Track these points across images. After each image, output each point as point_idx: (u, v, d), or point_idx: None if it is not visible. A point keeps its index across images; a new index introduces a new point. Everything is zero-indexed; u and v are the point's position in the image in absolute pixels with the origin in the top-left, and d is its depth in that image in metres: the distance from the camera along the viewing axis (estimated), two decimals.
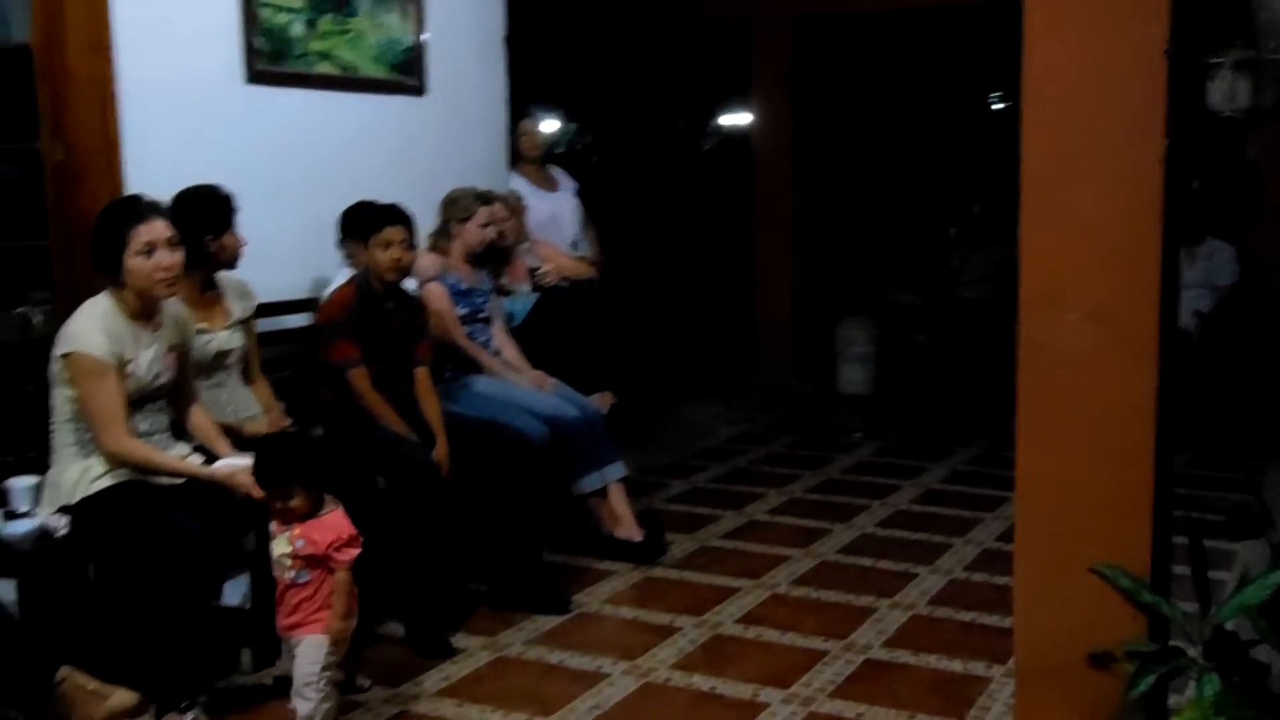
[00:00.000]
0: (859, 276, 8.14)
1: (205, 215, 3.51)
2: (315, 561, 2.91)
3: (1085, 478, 2.49)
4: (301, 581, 2.93)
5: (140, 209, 3.16)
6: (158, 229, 3.13)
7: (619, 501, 4.42)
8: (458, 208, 4.43)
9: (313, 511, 2.94)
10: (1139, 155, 2.39)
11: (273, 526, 2.98)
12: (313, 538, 2.90)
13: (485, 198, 4.47)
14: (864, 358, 7.66)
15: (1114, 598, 2.42)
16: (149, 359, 3.20)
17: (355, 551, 2.95)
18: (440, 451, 3.83)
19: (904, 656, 3.55)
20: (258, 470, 3.01)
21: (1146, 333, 2.40)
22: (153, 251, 3.12)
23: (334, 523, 2.94)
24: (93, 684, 2.81)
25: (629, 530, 4.40)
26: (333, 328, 3.84)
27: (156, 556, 2.96)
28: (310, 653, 2.91)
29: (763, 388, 7.68)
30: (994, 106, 8.69)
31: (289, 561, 2.92)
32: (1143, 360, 2.40)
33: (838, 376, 7.70)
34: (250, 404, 3.72)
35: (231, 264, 3.65)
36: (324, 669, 2.92)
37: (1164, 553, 2.44)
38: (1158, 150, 2.36)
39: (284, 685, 3.04)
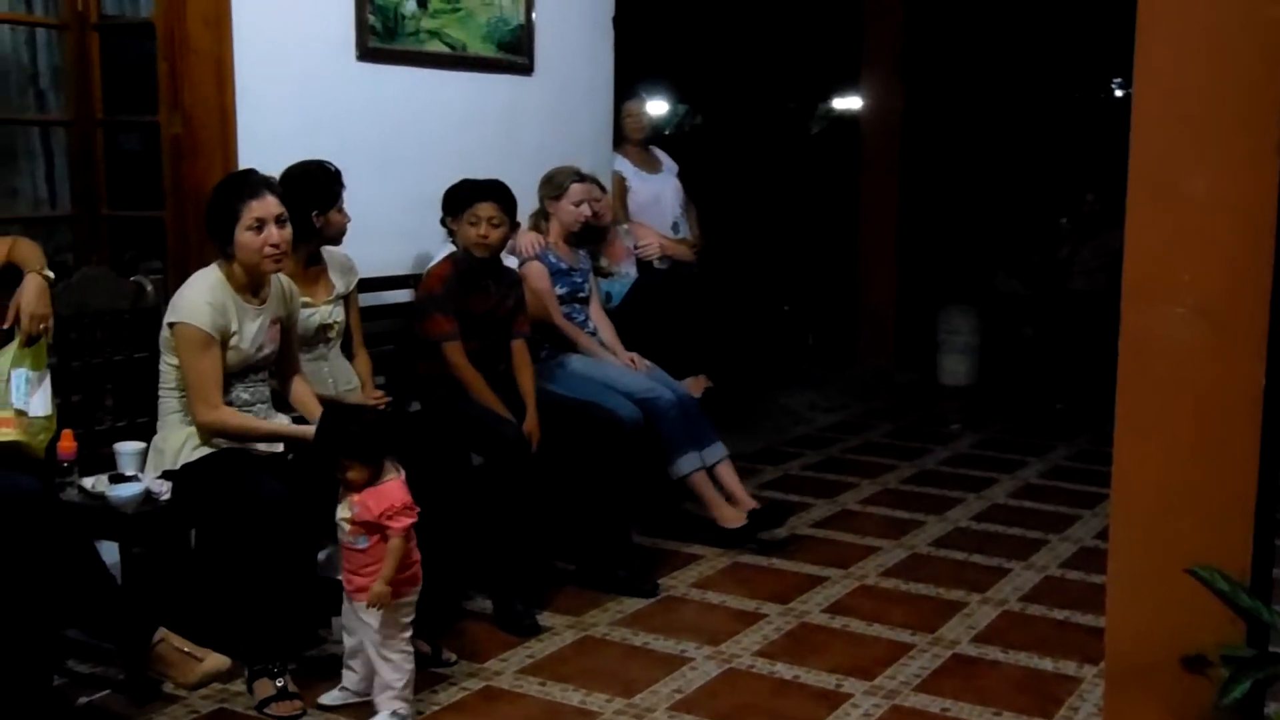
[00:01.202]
0: (966, 264, 8.00)
1: (312, 191, 3.57)
2: (372, 528, 2.93)
3: (1185, 476, 2.39)
4: (361, 547, 2.94)
5: (253, 184, 3.23)
6: (269, 205, 3.20)
7: (729, 479, 4.39)
8: (551, 186, 4.44)
9: (372, 480, 2.95)
10: (1254, 142, 2.28)
11: (341, 492, 3.02)
12: (367, 504, 2.91)
13: (579, 176, 4.46)
14: (967, 348, 7.52)
15: (1210, 600, 2.33)
16: (254, 331, 3.27)
17: (409, 520, 2.93)
18: (530, 424, 3.84)
19: (993, 653, 3.48)
20: (315, 443, 3.05)
21: (1255, 328, 2.30)
22: (263, 227, 3.18)
23: (389, 491, 2.94)
24: (188, 646, 2.88)
25: (743, 504, 4.36)
26: (430, 302, 3.87)
27: (248, 522, 3.02)
28: (371, 617, 2.94)
29: (862, 376, 7.59)
30: (1115, 93, 8.43)
31: (348, 527, 2.94)
32: (1250, 357, 2.30)
33: (939, 366, 7.57)
34: (351, 377, 3.77)
35: (336, 240, 3.72)
36: (391, 631, 2.95)
37: (1265, 555, 2.33)
38: (1275, 137, 2.26)
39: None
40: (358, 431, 2.97)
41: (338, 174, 3.66)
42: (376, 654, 2.96)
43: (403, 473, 3.00)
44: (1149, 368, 2.41)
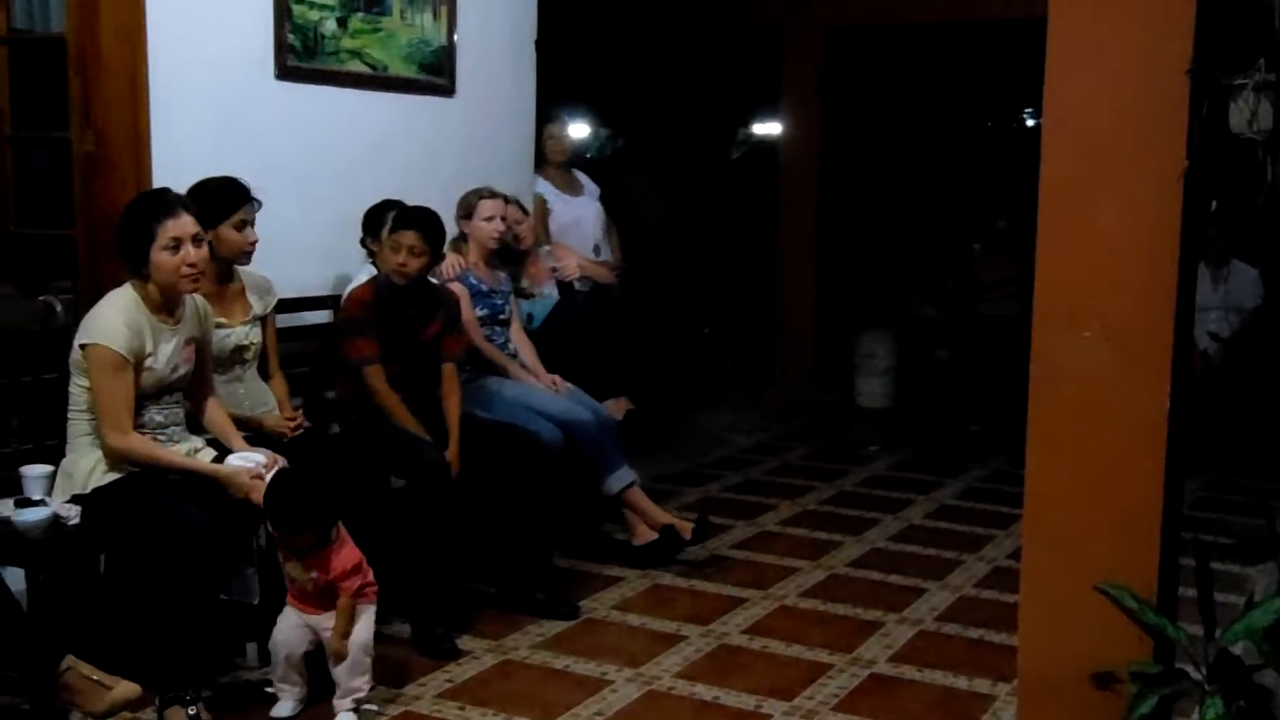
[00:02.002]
0: (882, 288, 8.11)
1: (202, 207, 3.40)
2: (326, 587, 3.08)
3: (1094, 496, 2.46)
4: (311, 590, 3.09)
5: (169, 203, 3.17)
6: (185, 224, 3.13)
7: (640, 500, 4.39)
8: (463, 206, 4.44)
9: (319, 543, 3.03)
10: (1158, 173, 2.36)
11: (286, 552, 3.08)
12: (325, 567, 3.04)
13: (490, 193, 4.45)
14: (884, 370, 7.63)
15: (1119, 618, 2.39)
16: (169, 352, 3.20)
17: (360, 580, 3.07)
18: (451, 450, 3.82)
19: (910, 672, 3.52)
20: (269, 512, 3.04)
21: (1160, 352, 2.38)
22: (179, 247, 3.12)
23: (345, 556, 3.06)
24: (96, 674, 2.80)
25: (656, 521, 4.35)
26: (350, 325, 3.84)
27: (163, 548, 2.96)
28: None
29: (782, 398, 7.66)
30: (1027, 122, 8.64)
31: (310, 586, 3.06)
32: (1155, 380, 2.38)
33: (856, 389, 7.66)
34: (267, 399, 3.72)
35: (238, 258, 3.61)
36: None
37: (1171, 574, 2.40)
38: (1177, 169, 2.34)
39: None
40: (316, 502, 3.01)
41: (240, 191, 3.54)
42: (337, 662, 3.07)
43: (344, 530, 3.09)
44: (1059, 390, 2.48)
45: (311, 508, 3.00)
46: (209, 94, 3.93)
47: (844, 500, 5.43)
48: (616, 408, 4.63)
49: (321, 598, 3.06)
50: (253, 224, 3.56)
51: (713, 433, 6.69)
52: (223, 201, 3.51)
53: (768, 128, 8.37)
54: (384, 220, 3.99)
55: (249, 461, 3.20)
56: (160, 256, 3.11)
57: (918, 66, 8.07)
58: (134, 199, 3.32)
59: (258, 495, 3.09)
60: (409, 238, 3.78)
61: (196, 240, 3.16)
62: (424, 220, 3.82)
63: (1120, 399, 2.42)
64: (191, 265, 3.14)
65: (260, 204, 3.57)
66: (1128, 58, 2.40)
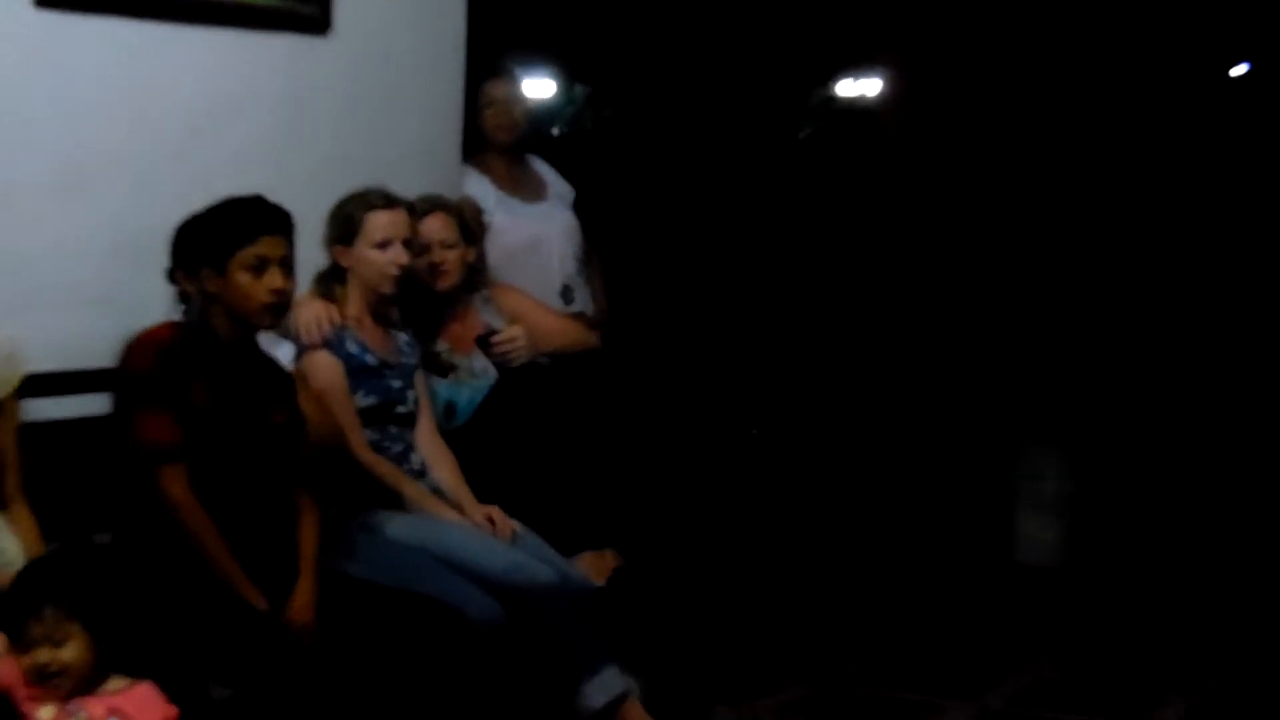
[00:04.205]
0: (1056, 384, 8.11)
1: None
2: None
3: None
4: None
5: None
6: None
7: None
8: (339, 222, 4.48)
9: (96, 676, 3.06)
10: None
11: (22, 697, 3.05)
12: (127, 713, 3.05)
13: (386, 200, 4.49)
14: (1056, 503, 7.62)
15: None
16: None
17: None
18: (300, 599, 3.83)
19: None
20: (8, 596, 3.09)
21: None
22: None
23: (146, 698, 3.12)
24: None
25: None
26: (135, 386, 3.87)
27: None
28: None
29: (875, 547, 7.61)
30: None
31: None
32: None
33: (1017, 531, 7.65)
34: (3, 542, 3.69)
35: None
36: None
37: None
38: None
39: None
40: (81, 571, 3.12)
41: None
42: None
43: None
44: None
45: (78, 581, 3.10)
46: None
47: None
48: (596, 567, 4.65)
49: None
50: None
51: (754, 608, 6.64)
52: None
53: (861, 86, 8.44)
54: (212, 237, 4.00)
55: None
56: None
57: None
58: None
59: None
60: (274, 246, 3.86)
61: None
62: (284, 218, 3.93)
63: None
64: None
65: None
66: None
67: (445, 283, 4.79)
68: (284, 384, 4.07)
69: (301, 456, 4.06)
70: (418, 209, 4.66)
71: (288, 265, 3.90)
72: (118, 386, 4.01)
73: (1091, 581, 7.26)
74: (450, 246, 4.78)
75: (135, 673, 3.20)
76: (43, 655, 3.04)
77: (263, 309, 3.87)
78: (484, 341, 4.93)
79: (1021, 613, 6.85)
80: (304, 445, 4.06)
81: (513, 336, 4.98)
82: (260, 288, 3.85)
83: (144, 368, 3.87)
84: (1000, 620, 6.69)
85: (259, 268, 3.85)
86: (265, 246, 3.86)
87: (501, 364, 4.93)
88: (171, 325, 3.97)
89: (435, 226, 4.73)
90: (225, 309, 3.91)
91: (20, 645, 3.07)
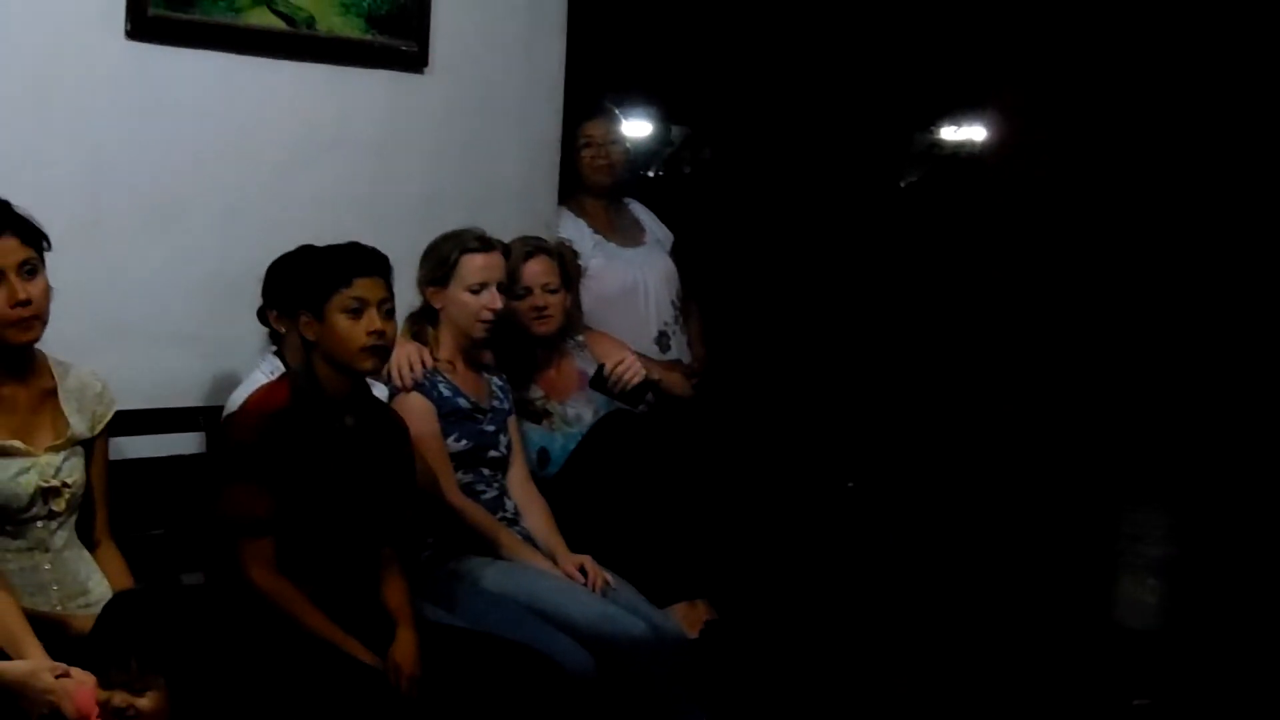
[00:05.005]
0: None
1: None
2: None
3: None
4: None
5: None
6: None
7: None
8: (433, 263, 4.44)
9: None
10: None
11: None
12: None
13: (482, 243, 4.46)
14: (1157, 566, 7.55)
15: None
16: None
17: None
18: (402, 651, 3.78)
19: None
20: (94, 638, 3.06)
21: None
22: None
23: None
24: None
25: None
26: (234, 457, 3.84)
27: None
28: None
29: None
30: None
31: None
32: None
33: (1116, 597, 7.58)
34: (90, 581, 3.70)
35: (12, 334, 3.54)
36: None
37: None
38: None
39: None
40: (168, 618, 3.05)
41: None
42: None
43: None
44: None
45: (163, 628, 3.04)
46: (15, 62, 3.99)
47: None
48: (689, 618, 4.61)
49: None
50: (35, 274, 3.53)
51: (846, 664, 6.59)
52: None
53: (967, 132, 8.38)
54: (308, 281, 3.97)
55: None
56: None
57: None
58: None
59: (70, 703, 3.10)
60: (373, 288, 3.82)
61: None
62: (381, 261, 3.88)
63: None
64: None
65: (48, 243, 3.56)
66: None
67: (547, 327, 4.76)
68: (398, 436, 4.04)
69: (402, 511, 4.02)
70: (518, 251, 4.66)
71: (387, 308, 3.87)
72: (218, 450, 4.00)
73: (1191, 646, 7.17)
74: (553, 290, 4.75)
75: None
76: (120, 699, 3.01)
77: (362, 352, 3.83)
78: (599, 380, 4.87)
79: (1119, 676, 6.77)
80: (411, 497, 4.04)
81: (620, 359, 4.91)
82: (358, 330, 3.81)
83: (247, 440, 3.84)
84: (1098, 683, 6.61)
85: (357, 310, 3.81)
86: (362, 289, 3.82)
87: (622, 393, 4.88)
88: (283, 389, 3.93)
89: (538, 270, 4.70)
90: (324, 355, 3.87)
91: (100, 681, 3.05)
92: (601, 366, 4.86)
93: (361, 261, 3.86)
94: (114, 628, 3.07)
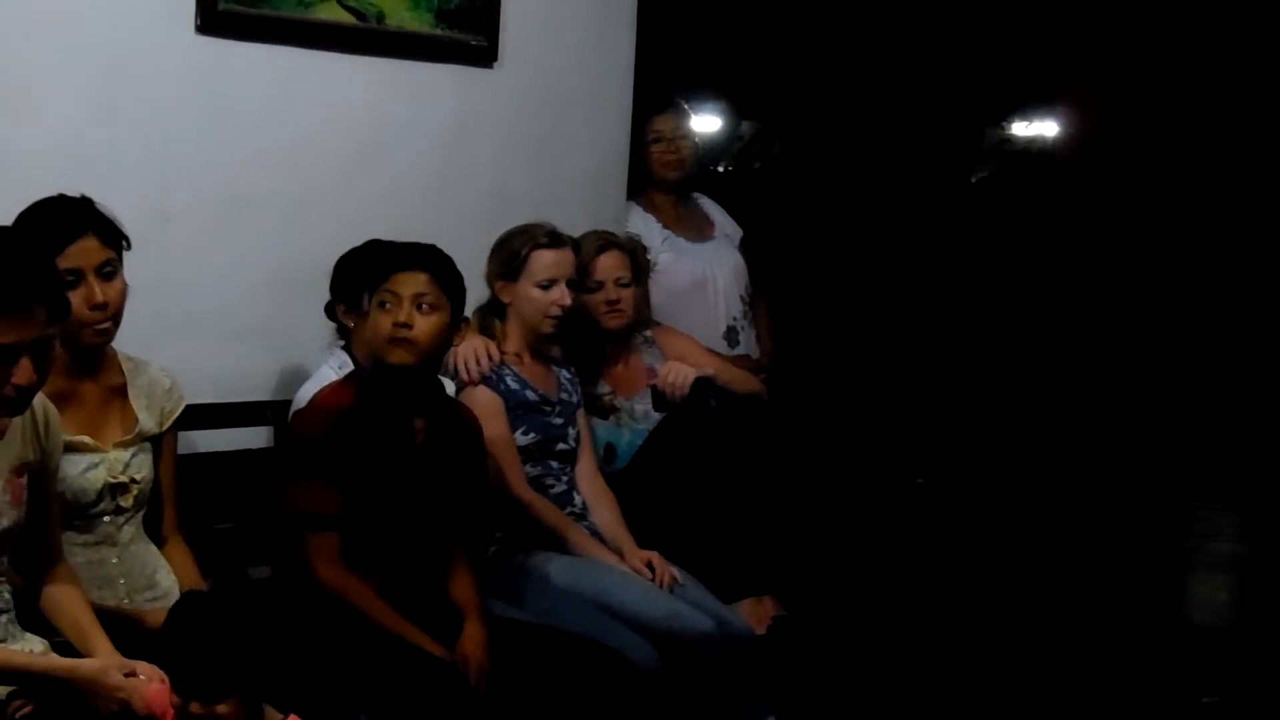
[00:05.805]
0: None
1: None
2: None
3: None
4: None
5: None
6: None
7: None
8: (503, 258, 4.45)
9: None
10: None
11: None
12: None
13: (553, 238, 4.46)
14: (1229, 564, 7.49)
15: None
16: None
17: None
18: (474, 646, 3.78)
19: None
20: (165, 642, 3.06)
21: None
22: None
23: None
24: None
25: None
26: (301, 452, 3.85)
27: None
28: None
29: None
30: None
31: None
32: None
33: (1188, 594, 7.52)
34: (158, 575, 3.72)
35: (81, 333, 3.54)
36: None
37: None
38: None
39: None
40: (244, 628, 3.03)
41: (77, 217, 3.53)
42: None
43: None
44: None
45: (241, 640, 3.03)
46: (85, 57, 4.03)
47: None
48: (756, 614, 4.62)
49: None
50: (113, 275, 3.56)
51: (914, 660, 6.56)
52: (51, 233, 3.49)
53: (1038, 128, 8.33)
54: (369, 272, 3.99)
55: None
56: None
57: None
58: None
59: (140, 701, 3.10)
60: (410, 282, 3.80)
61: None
62: (428, 256, 3.87)
63: None
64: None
65: (128, 243, 3.60)
66: None
67: (618, 321, 4.79)
68: (469, 436, 4.04)
69: (470, 510, 4.03)
70: (590, 245, 4.68)
71: (426, 302, 3.81)
72: (286, 445, 4.02)
73: (1262, 644, 7.11)
74: (625, 284, 4.77)
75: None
76: (196, 707, 3.01)
77: (388, 344, 3.81)
78: (659, 400, 4.90)
79: (1189, 673, 6.72)
80: (481, 497, 4.06)
81: (664, 374, 4.90)
82: (385, 322, 3.81)
83: (314, 436, 3.85)
84: (1168, 680, 6.56)
85: (388, 304, 3.82)
86: (397, 283, 3.82)
87: (683, 400, 4.88)
88: (350, 385, 3.93)
89: (611, 264, 4.72)
90: (366, 347, 3.90)
91: (174, 685, 3.04)
92: (653, 388, 4.90)
93: (404, 256, 3.87)
94: (187, 634, 3.06)
